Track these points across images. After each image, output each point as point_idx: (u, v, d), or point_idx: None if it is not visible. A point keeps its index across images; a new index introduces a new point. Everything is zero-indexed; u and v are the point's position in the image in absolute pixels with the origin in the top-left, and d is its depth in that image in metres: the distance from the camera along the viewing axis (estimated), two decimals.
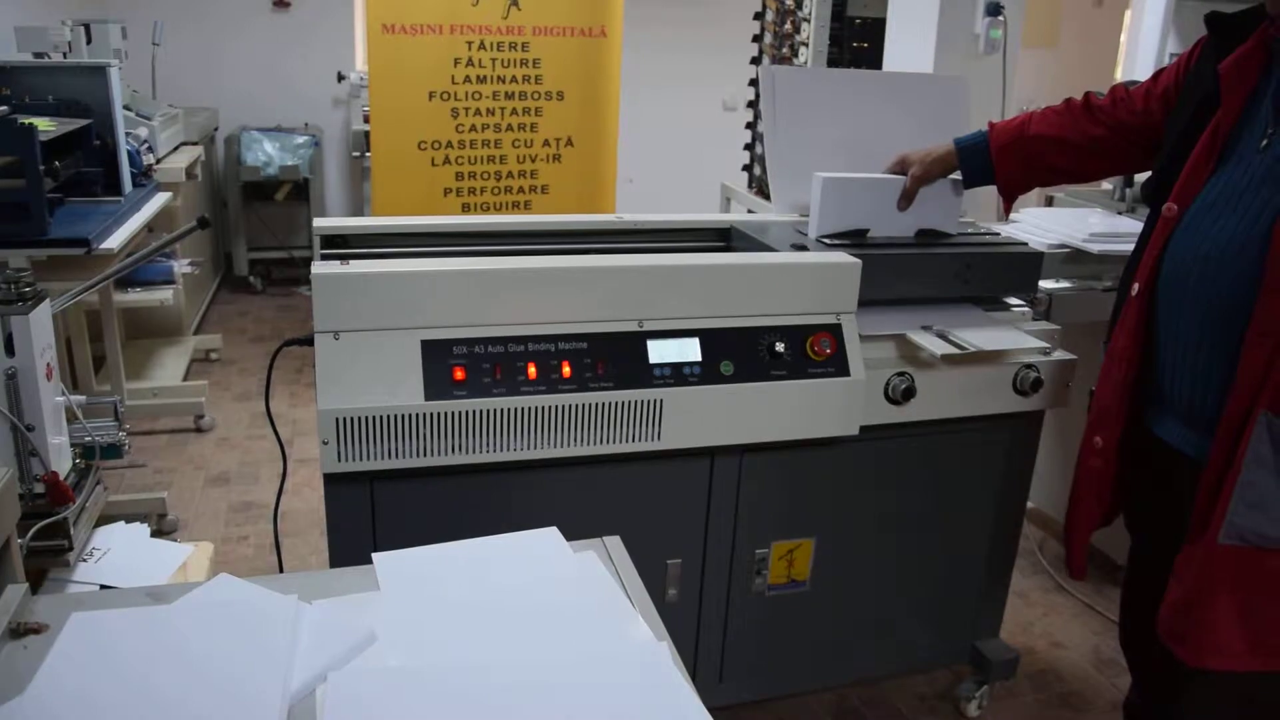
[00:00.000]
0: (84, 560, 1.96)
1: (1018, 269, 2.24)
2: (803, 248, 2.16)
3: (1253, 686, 1.77)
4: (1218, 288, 1.64)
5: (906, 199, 2.24)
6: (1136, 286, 1.79)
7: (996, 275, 2.22)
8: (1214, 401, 1.67)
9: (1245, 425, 1.60)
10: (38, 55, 3.56)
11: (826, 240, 2.19)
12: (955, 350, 2.02)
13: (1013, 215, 2.50)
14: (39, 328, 1.67)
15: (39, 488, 1.71)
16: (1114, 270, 2.55)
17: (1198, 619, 1.70)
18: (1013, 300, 2.29)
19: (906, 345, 2.10)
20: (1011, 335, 2.15)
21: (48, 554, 1.75)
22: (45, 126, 2.82)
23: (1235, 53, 1.70)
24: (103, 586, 1.88)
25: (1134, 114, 1.98)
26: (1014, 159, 2.13)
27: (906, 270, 2.15)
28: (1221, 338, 1.65)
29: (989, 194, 2.24)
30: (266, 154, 5.81)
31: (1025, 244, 2.33)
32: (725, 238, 2.43)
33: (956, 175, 2.24)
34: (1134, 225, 2.62)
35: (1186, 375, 1.74)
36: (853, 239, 2.20)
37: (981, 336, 2.08)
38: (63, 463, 1.78)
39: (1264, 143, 1.63)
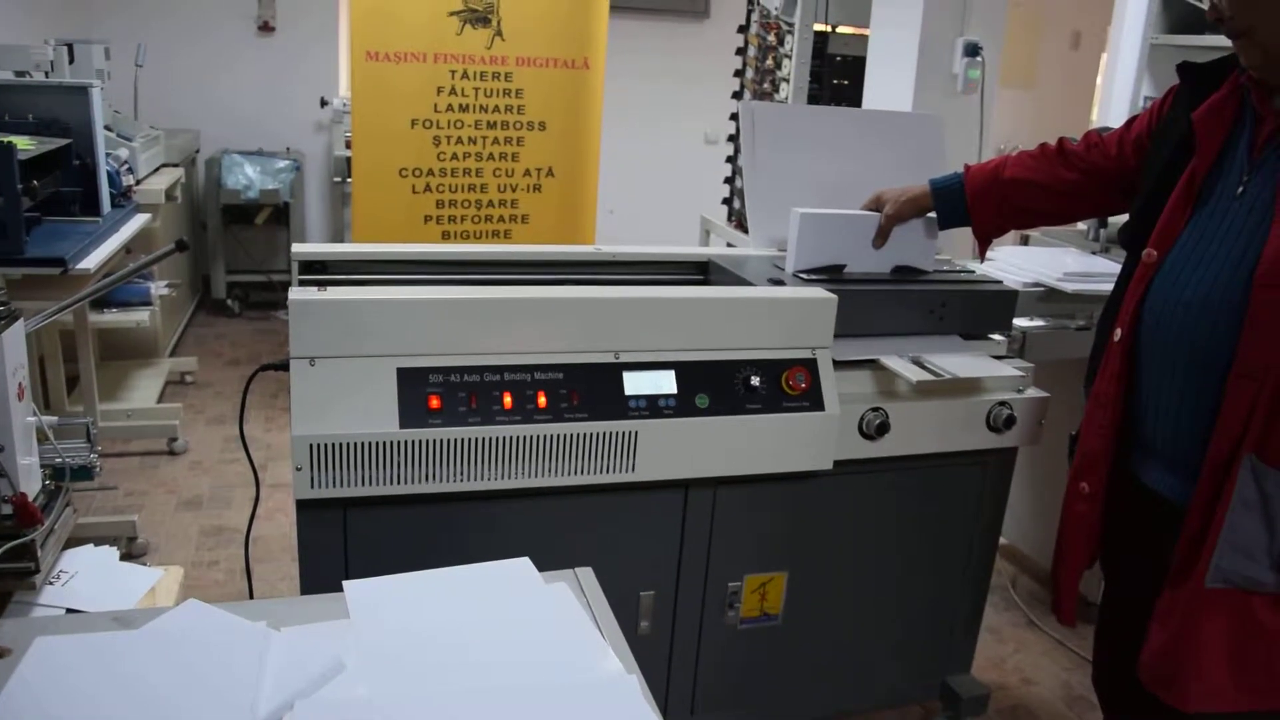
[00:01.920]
0: (50, 583, 1.93)
1: (992, 307, 2.26)
2: (780, 282, 2.17)
3: None
4: (1199, 333, 1.65)
5: (881, 237, 2.26)
6: (1119, 332, 1.79)
7: (971, 313, 2.24)
8: (1197, 446, 1.67)
9: (1229, 469, 1.61)
10: (19, 74, 3.55)
11: (803, 275, 2.21)
12: (931, 377, 2.04)
13: (988, 253, 2.53)
14: (12, 347, 1.66)
15: (6, 509, 1.69)
16: (1088, 310, 2.57)
17: (1184, 663, 1.69)
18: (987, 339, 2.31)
19: (881, 379, 2.11)
20: (987, 364, 2.17)
21: (13, 576, 1.72)
22: (24, 145, 2.81)
23: (1208, 101, 1.72)
24: (69, 610, 1.86)
25: (1108, 159, 2.01)
26: (989, 202, 2.16)
27: (882, 306, 2.17)
28: (1204, 383, 1.66)
29: (965, 232, 2.26)
30: (247, 177, 5.80)
31: (1000, 282, 2.36)
32: (703, 271, 2.44)
33: (932, 214, 2.26)
34: (1108, 265, 2.64)
35: (1170, 420, 1.74)
36: (830, 274, 2.22)
37: (957, 364, 2.10)
38: (32, 484, 1.76)
39: (1240, 189, 1.66)
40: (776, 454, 2.02)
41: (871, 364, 2.12)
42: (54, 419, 1.89)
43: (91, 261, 2.85)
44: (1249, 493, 1.60)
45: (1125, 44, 3.61)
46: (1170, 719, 1.80)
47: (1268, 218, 1.59)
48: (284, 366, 1.80)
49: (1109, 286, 1.92)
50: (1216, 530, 1.63)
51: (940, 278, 2.32)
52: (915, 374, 2.03)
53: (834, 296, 2.03)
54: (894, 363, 2.07)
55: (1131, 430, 1.84)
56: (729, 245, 4.00)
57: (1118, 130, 2.02)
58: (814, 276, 2.20)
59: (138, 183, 4.07)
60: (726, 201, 4.50)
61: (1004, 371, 2.15)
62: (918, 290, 2.21)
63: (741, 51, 4.39)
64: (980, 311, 2.26)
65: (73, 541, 2.01)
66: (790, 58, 4.03)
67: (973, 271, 2.44)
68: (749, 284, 2.18)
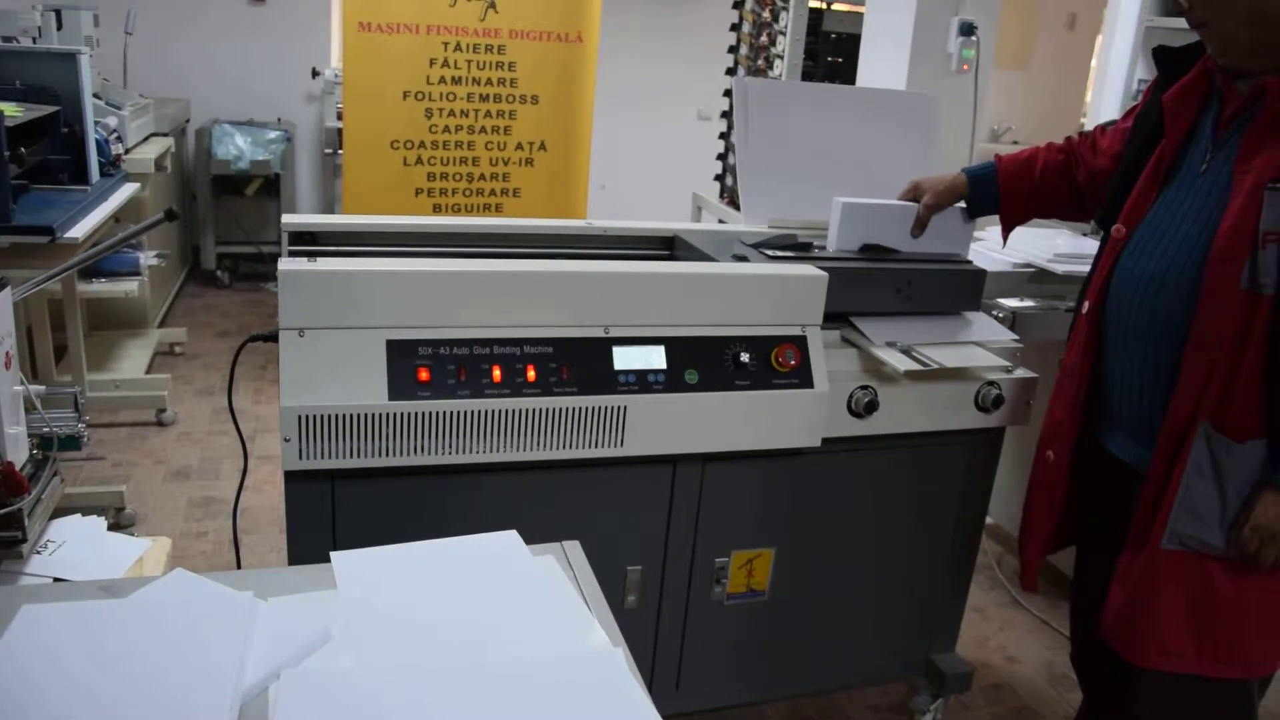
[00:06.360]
0: (38, 553, 1.93)
1: (958, 286, 2.25)
2: (743, 258, 2.16)
3: (1199, 692, 1.81)
4: (1161, 306, 1.72)
5: (919, 226, 2.26)
6: (1087, 305, 1.87)
7: (937, 292, 2.23)
8: (1158, 416, 1.75)
9: (1185, 437, 1.68)
10: (6, 39, 3.52)
11: (768, 251, 2.19)
12: (919, 367, 2.04)
13: (978, 233, 2.54)
14: None
15: None
16: (1077, 290, 2.58)
17: (1141, 619, 1.78)
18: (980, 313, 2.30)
19: (871, 358, 2.11)
20: (976, 353, 2.17)
21: (0, 545, 1.73)
22: (12, 112, 2.79)
23: (1178, 83, 1.80)
24: (56, 579, 1.86)
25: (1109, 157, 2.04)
26: (1021, 194, 2.19)
27: (850, 284, 2.13)
28: (1165, 355, 1.73)
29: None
30: (238, 148, 5.77)
31: (969, 262, 2.33)
32: (670, 246, 2.44)
33: (962, 203, 2.26)
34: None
35: (1133, 391, 1.81)
36: (797, 250, 2.20)
37: (946, 353, 2.10)
38: (19, 453, 1.76)
39: (1203, 167, 1.73)
40: (765, 431, 2.03)
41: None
42: (41, 388, 1.88)
43: (80, 230, 2.83)
44: (1203, 460, 1.67)
45: (1120, 26, 3.60)
46: (1140, 683, 1.85)
47: (1227, 195, 1.66)
48: (273, 338, 1.79)
49: None
50: (1172, 495, 1.70)
51: (909, 257, 2.29)
52: (904, 364, 2.03)
53: (824, 274, 2.03)
54: (883, 353, 2.07)
55: (1098, 401, 1.91)
56: (720, 222, 3.99)
57: (1118, 123, 2.07)
58: (781, 253, 2.18)
59: (127, 151, 4.04)
60: (719, 178, 4.48)
61: (992, 361, 2.16)
62: (884, 269, 2.17)
63: (736, 27, 4.37)
64: (947, 291, 2.24)
65: (60, 511, 2.01)
66: (785, 34, 4.02)
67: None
68: (711, 259, 2.17)
